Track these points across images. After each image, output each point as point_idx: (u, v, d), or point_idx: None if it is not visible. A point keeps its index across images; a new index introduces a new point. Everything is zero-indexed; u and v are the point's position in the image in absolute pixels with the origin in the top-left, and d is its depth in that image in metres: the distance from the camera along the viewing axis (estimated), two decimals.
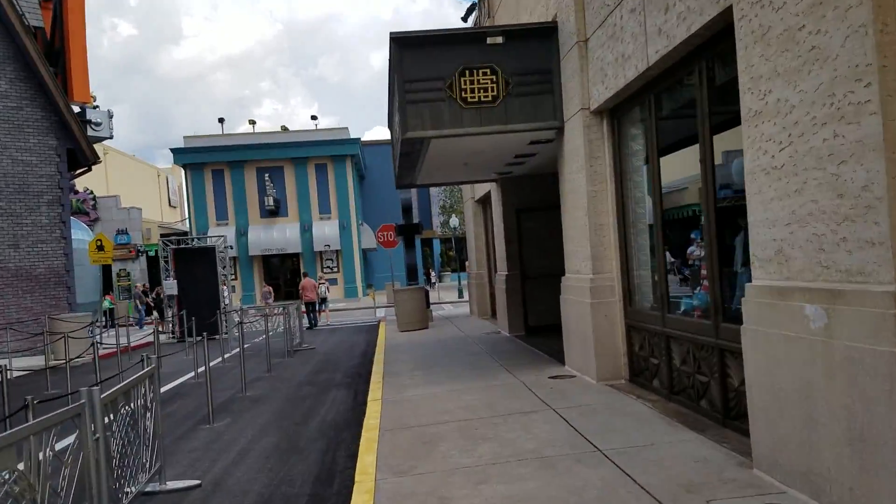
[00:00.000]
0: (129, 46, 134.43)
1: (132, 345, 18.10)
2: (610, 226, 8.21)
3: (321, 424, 8.13)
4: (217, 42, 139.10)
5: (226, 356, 16.17)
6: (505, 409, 7.25)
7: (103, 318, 23.82)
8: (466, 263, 47.87)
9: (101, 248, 19.03)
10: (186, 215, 40.75)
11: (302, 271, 28.95)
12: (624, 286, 8.08)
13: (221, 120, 43.23)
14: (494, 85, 8.74)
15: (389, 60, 9.28)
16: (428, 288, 40.53)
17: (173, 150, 40.06)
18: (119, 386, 4.97)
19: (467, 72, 8.67)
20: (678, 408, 6.63)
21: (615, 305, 8.14)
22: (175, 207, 60.21)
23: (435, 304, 29.71)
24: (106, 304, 29.63)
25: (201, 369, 14.00)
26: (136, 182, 62.82)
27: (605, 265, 8.23)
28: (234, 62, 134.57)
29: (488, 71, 8.72)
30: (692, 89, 6.04)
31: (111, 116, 20.01)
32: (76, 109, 19.50)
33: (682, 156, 6.63)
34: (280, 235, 39.19)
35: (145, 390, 5.57)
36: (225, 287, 22.16)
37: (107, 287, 33.33)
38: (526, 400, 7.67)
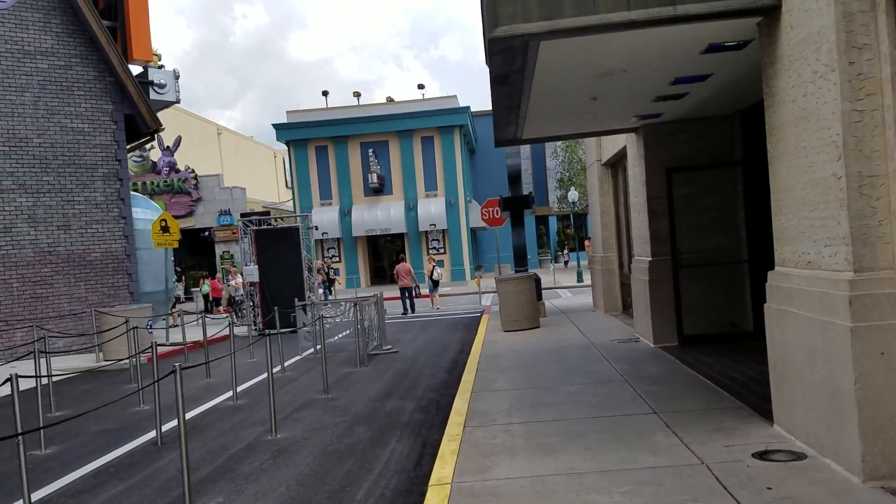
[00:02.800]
0: (259, 34, 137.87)
1: (206, 339, 15.62)
2: (891, 176, 4.18)
3: None
4: (342, 27, 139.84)
5: (297, 358, 13.25)
6: None
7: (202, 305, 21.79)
8: (586, 242, 43.50)
9: (166, 229, 16.64)
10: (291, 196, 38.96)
11: (399, 255, 25.92)
12: None
13: (325, 93, 41.00)
14: None
15: None
16: (559, 265, 36.43)
17: (276, 126, 38.22)
18: None
19: None
20: None
21: None
22: (291, 189, 59.45)
23: (549, 288, 25.84)
24: (205, 287, 27.90)
25: (256, 380, 11.08)
26: (252, 163, 62.74)
27: (882, 254, 4.21)
28: (359, 48, 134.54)
29: None
30: None
31: (177, 77, 17.53)
32: (136, 70, 17.15)
33: None
34: (384, 214, 36.53)
35: None
36: (311, 273, 19.34)
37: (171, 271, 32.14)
38: None
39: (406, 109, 37.60)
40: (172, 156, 35.70)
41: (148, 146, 35.75)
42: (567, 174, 41.80)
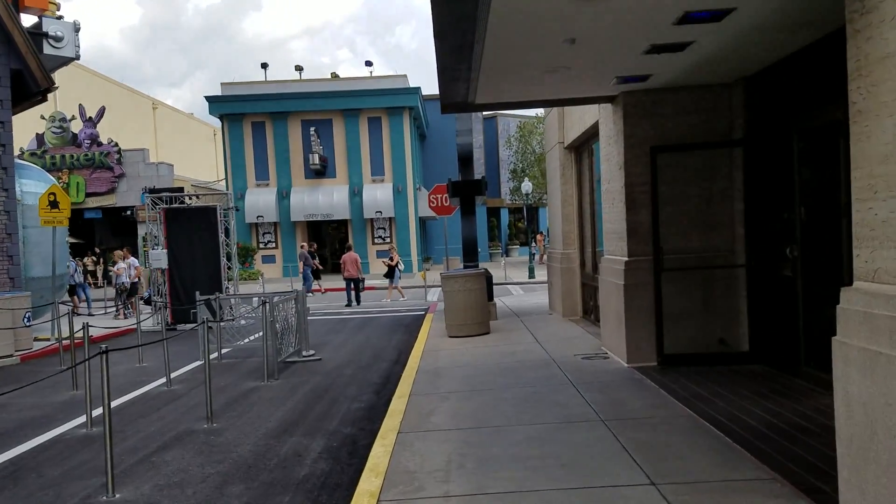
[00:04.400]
0: (212, 14, 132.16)
1: (99, 335, 13.22)
2: None
3: None
4: (298, 10, 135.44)
5: (197, 364, 11.04)
6: None
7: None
8: (538, 237, 41.89)
9: (54, 204, 14.06)
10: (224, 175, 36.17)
11: (347, 244, 23.67)
12: None
13: (265, 65, 38.20)
14: None
15: None
16: (541, 261, 33.83)
17: (209, 99, 35.30)
18: None
19: None
20: None
21: None
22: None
23: (500, 283, 23.99)
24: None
25: (130, 396, 8.87)
26: (191, 142, 59.21)
27: None
28: (314, 30, 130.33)
29: None
30: None
31: (77, 30, 14.94)
32: (29, 20, 14.50)
33: None
34: (326, 199, 34.10)
35: None
36: (230, 260, 17.01)
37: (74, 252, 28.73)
38: None
39: (352, 87, 35.19)
40: (95, 127, 32.53)
41: (69, 116, 32.66)
42: (521, 164, 40.11)
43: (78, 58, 15.05)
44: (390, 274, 21.83)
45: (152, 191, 17.21)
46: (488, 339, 11.14)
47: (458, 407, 6.78)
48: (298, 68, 37.97)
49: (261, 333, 10.09)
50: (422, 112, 38.01)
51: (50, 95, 38.96)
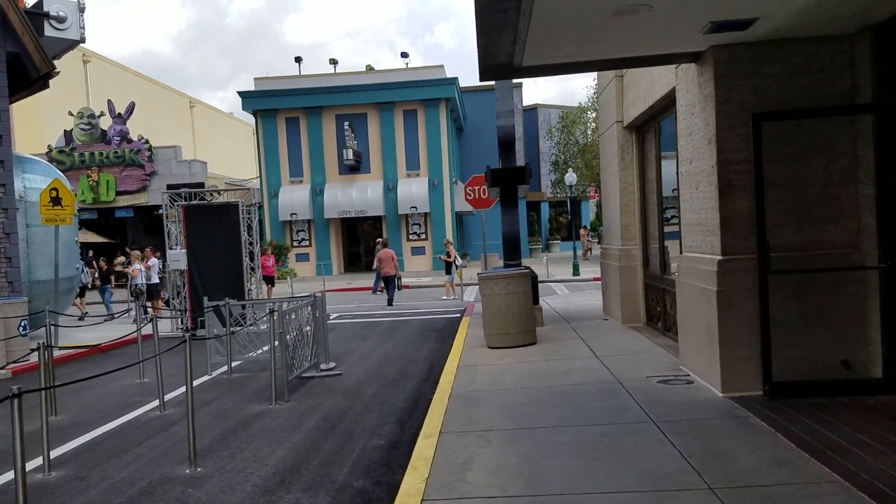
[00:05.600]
0: (254, 16, 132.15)
1: (111, 342, 11.98)
2: None
3: None
4: (339, 12, 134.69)
5: (203, 380, 9.67)
6: None
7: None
8: (582, 231, 39.77)
9: (56, 201, 12.84)
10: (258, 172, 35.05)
11: (379, 240, 22.12)
12: None
13: (298, 59, 37.03)
14: None
15: None
16: (585, 258, 31.63)
17: (241, 94, 34.23)
18: None
19: None
20: None
21: None
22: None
23: (542, 282, 22.18)
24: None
25: (117, 422, 7.48)
26: (229, 140, 58.64)
27: None
28: (354, 32, 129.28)
29: None
30: None
31: (82, 10, 13.71)
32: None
33: None
34: (360, 195, 32.72)
35: None
36: (252, 260, 15.66)
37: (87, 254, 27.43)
38: None
39: (387, 79, 33.72)
40: (125, 124, 31.69)
41: (98, 112, 31.89)
42: (563, 156, 38.19)
43: (83, 41, 13.80)
44: (449, 269, 20.45)
45: (171, 187, 15.96)
46: (535, 352, 9.47)
47: (501, 456, 5.14)
48: (333, 62, 36.66)
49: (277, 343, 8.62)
50: (459, 104, 36.39)
51: (82, 92, 38.53)
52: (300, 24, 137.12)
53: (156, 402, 8.34)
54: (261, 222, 34.76)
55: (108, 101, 31.92)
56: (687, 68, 7.16)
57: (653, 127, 10.01)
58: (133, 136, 31.76)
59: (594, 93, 34.79)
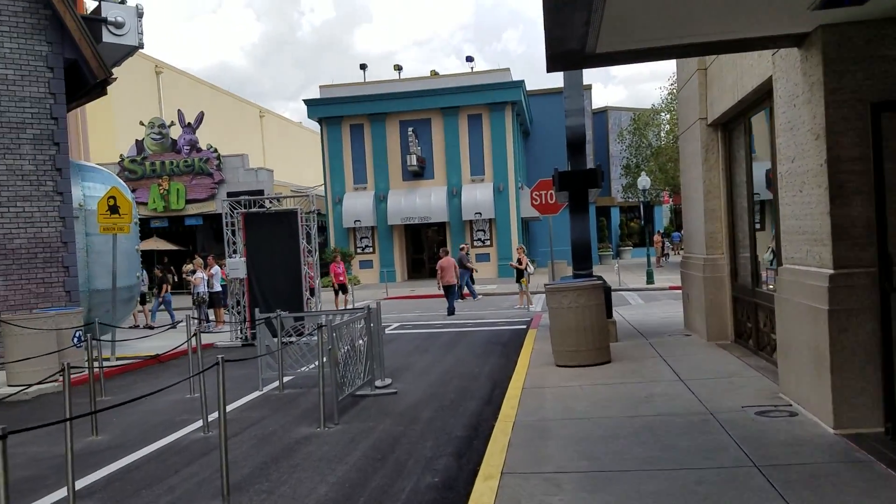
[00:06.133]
0: (325, 29, 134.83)
1: (167, 354, 11.69)
2: None
3: None
4: (407, 22, 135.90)
5: (253, 396, 9.20)
6: None
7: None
8: (656, 238, 38.07)
9: (114, 209, 12.70)
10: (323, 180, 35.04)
11: (443, 248, 21.44)
12: None
13: (363, 66, 37.03)
14: None
15: None
16: (658, 265, 30.02)
17: (307, 102, 34.34)
18: None
19: None
20: None
21: None
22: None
23: (614, 290, 21.04)
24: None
25: (156, 446, 7.00)
26: (298, 148, 59.40)
27: None
28: (422, 40, 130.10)
29: None
30: None
31: (140, 15, 13.59)
32: (88, 4, 13.28)
33: None
34: (424, 201, 32.26)
35: None
36: (311, 268, 15.26)
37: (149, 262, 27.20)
38: None
39: (452, 84, 33.17)
40: (194, 133, 32.18)
41: (168, 123, 32.50)
42: (635, 159, 36.74)
43: (141, 46, 13.69)
44: (520, 277, 19.75)
45: (231, 194, 15.76)
46: (610, 372, 8.57)
47: None
48: (397, 67, 36.47)
49: (343, 349, 8.02)
50: (525, 108, 35.52)
51: (154, 102, 39.49)
52: (369, 35, 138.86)
53: (201, 422, 7.87)
54: (325, 229, 34.77)
55: (178, 110, 32.49)
56: (787, 54, 6.18)
57: (742, 123, 8.97)
58: (202, 145, 32.20)
59: (669, 93, 33.35)
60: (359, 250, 33.54)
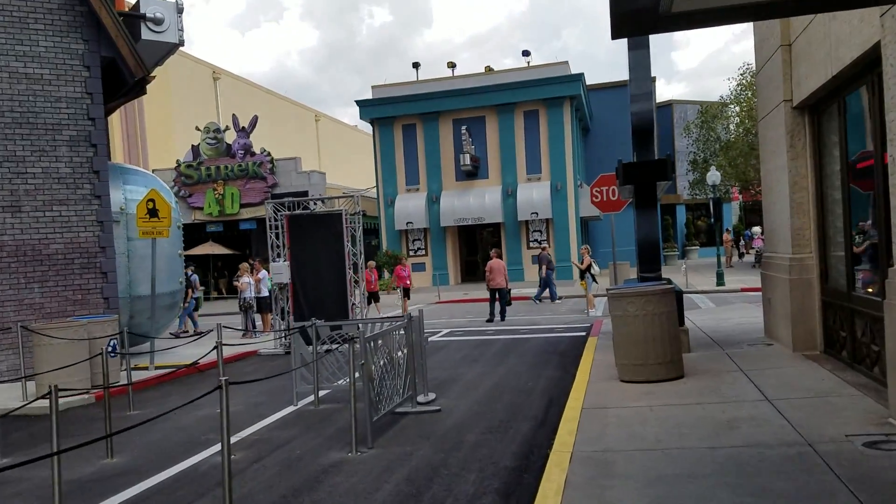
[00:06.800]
0: (384, 32, 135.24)
1: (207, 361, 11.14)
2: None
3: None
4: (465, 22, 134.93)
5: (287, 411, 8.51)
6: None
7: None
8: (725, 236, 36.00)
9: (153, 212, 12.24)
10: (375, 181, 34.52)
11: (493, 249, 20.36)
12: None
13: (416, 65, 36.38)
14: None
15: None
16: (729, 265, 28.05)
17: (359, 103, 33.89)
18: None
19: None
20: None
21: None
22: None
23: (683, 293, 19.71)
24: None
25: (175, 469, 6.31)
26: (353, 152, 59.44)
27: None
28: (481, 41, 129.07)
29: None
30: None
31: (181, 11, 13.14)
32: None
33: None
34: (478, 202, 31.32)
35: None
36: (356, 272, 14.56)
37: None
38: None
39: (507, 80, 32.14)
40: (248, 137, 32.12)
41: (223, 127, 32.54)
42: (702, 154, 34.92)
43: (182, 44, 13.23)
44: (584, 276, 18.72)
45: (275, 196, 15.22)
46: (683, 390, 7.48)
47: None
48: (451, 65, 35.58)
49: (379, 363, 7.22)
50: (585, 103, 34.20)
51: (212, 108, 39.78)
52: (428, 37, 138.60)
53: (232, 439, 7.17)
54: (377, 231, 34.23)
55: (233, 115, 32.50)
56: None
57: (835, 104, 7.75)
58: (256, 149, 32.11)
59: (738, 83, 31.52)
60: (411, 252, 32.83)
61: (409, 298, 20.18)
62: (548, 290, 22.17)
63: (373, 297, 19.54)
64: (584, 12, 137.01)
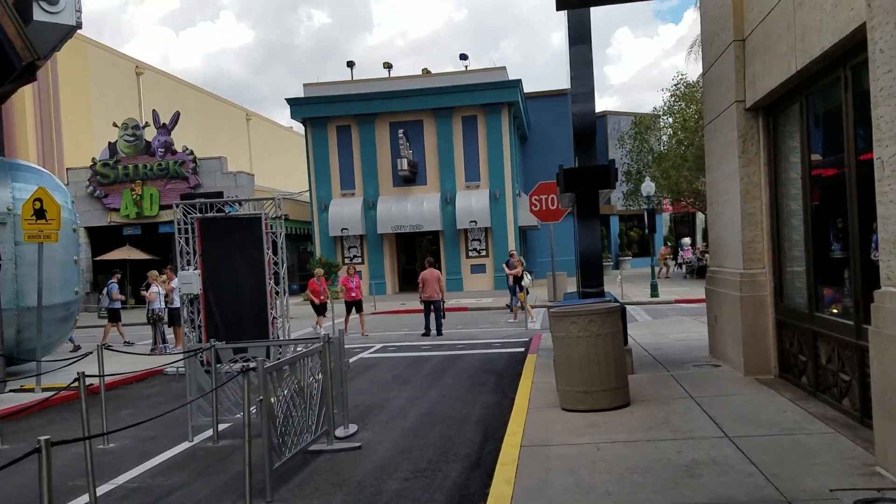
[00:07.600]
0: (323, 34, 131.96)
1: (113, 381, 9.72)
2: None
3: None
4: (406, 28, 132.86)
5: (180, 449, 7.32)
6: None
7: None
8: (663, 249, 36.10)
9: (40, 213, 10.79)
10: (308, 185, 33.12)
11: (427, 258, 19.15)
12: None
13: (351, 64, 35.10)
14: None
15: None
16: (660, 276, 27.48)
17: (290, 102, 32.47)
18: None
19: None
20: None
21: None
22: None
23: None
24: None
25: None
26: (288, 154, 57.53)
27: None
28: (421, 48, 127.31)
29: None
30: None
31: None
32: None
33: None
34: (416, 209, 30.38)
35: None
36: (275, 283, 13.33)
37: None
38: None
39: (445, 83, 31.33)
40: (169, 134, 30.29)
41: (143, 124, 30.59)
42: (636, 165, 34.89)
43: (79, 26, 11.82)
44: (517, 285, 17.93)
45: (184, 196, 13.83)
46: (631, 422, 6.66)
47: None
48: (387, 65, 34.53)
49: (285, 394, 6.12)
50: (523, 110, 33.72)
51: (134, 104, 37.55)
52: (369, 42, 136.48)
53: (105, 487, 6.01)
54: (311, 237, 32.84)
55: (153, 111, 30.66)
56: None
57: (797, 104, 7.11)
58: (178, 147, 30.32)
59: (671, 94, 31.58)
60: (346, 260, 31.56)
61: (362, 311, 17.63)
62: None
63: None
64: (523, 23, 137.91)
